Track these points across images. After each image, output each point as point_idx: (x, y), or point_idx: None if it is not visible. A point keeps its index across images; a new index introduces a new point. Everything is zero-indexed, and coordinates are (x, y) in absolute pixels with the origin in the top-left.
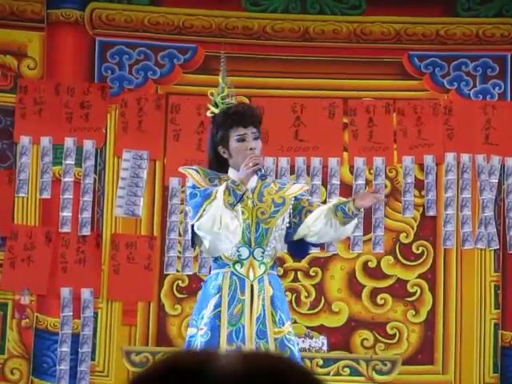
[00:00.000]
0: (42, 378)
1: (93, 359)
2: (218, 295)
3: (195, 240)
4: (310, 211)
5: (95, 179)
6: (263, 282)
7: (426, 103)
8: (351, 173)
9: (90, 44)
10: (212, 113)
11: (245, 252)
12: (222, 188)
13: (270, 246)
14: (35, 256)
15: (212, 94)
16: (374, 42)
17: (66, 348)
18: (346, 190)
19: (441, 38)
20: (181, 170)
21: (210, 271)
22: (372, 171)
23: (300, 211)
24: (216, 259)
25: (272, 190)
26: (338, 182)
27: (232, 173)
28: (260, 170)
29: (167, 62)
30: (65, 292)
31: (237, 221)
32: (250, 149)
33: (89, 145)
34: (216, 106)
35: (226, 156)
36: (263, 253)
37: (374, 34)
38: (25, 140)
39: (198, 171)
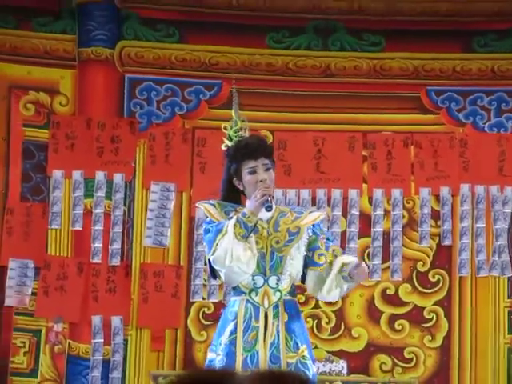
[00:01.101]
0: None
1: (123, 383)
2: (233, 322)
3: (215, 272)
4: (322, 254)
5: (125, 211)
6: (278, 308)
7: (442, 136)
8: (370, 204)
9: (119, 81)
10: (226, 146)
11: (259, 280)
12: (232, 221)
13: (284, 273)
14: (67, 285)
15: (225, 128)
16: (393, 77)
17: (97, 373)
18: (365, 220)
19: (457, 73)
20: (198, 205)
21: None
22: (390, 202)
23: (314, 249)
24: (234, 288)
25: (288, 220)
26: (358, 213)
27: (248, 204)
28: (267, 200)
29: (194, 98)
30: (96, 320)
31: (250, 252)
32: (261, 181)
33: (118, 178)
34: (230, 139)
35: (241, 188)
36: (278, 280)
37: (393, 69)
38: (57, 174)
39: (214, 205)
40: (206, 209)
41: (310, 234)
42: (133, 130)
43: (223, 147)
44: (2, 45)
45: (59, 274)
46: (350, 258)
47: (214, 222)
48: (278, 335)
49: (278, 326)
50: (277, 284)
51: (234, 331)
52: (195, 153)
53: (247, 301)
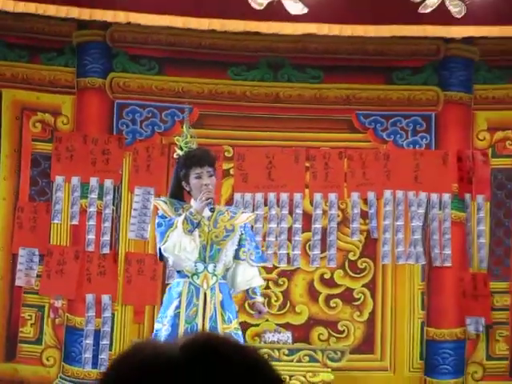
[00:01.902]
0: (70, 364)
1: (110, 350)
2: (178, 299)
3: (163, 257)
4: (245, 252)
5: (113, 210)
6: (214, 289)
7: (369, 151)
8: (311, 205)
9: (109, 105)
10: (177, 154)
11: (200, 267)
12: (181, 218)
13: (220, 262)
14: (66, 269)
15: (178, 140)
16: (330, 103)
17: (89, 341)
18: (307, 218)
19: (381, 100)
20: (153, 201)
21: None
22: (327, 204)
23: (240, 246)
24: (179, 271)
25: (225, 218)
26: (301, 212)
27: (193, 203)
28: (210, 203)
29: (169, 119)
30: (89, 297)
31: (194, 243)
32: (205, 184)
33: (108, 183)
34: (181, 149)
35: (188, 189)
36: (215, 267)
37: (330, 97)
38: (59, 179)
39: (166, 202)
40: (159, 205)
41: (242, 232)
42: (120, 144)
43: (175, 155)
44: (16, 75)
45: (59, 260)
46: (257, 282)
47: (166, 218)
48: (215, 311)
49: (214, 303)
50: (214, 270)
51: (178, 307)
52: (170, 164)
53: (190, 283)
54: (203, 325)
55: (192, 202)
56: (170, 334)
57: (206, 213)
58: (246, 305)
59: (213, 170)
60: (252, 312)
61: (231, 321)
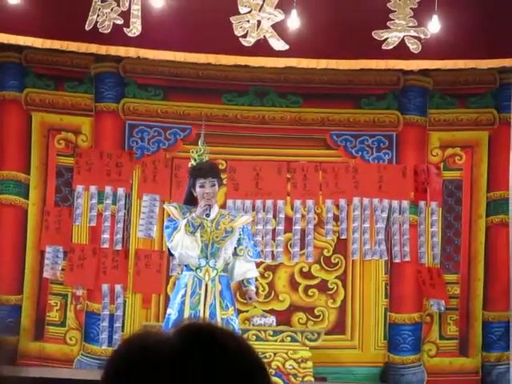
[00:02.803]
0: (90, 343)
1: (123, 331)
2: (184, 289)
3: (171, 253)
4: (242, 249)
5: (125, 213)
6: (214, 281)
7: (340, 165)
8: (292, 210)
9: (122, 125)
10: (191, 165)
11: (203, 262)
12: (184, 222)
13: (220, 258)
14: (86, 264)
15: (192, 152)
16: (308, 125)
17: (105, 323)
18: (289, 221)
19: (350, 122)
20: (164, 206)
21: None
22: (306, 209)
23: (239, 244)
24: (186, 265)
25: (226, 221)
26: (283, 216)
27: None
28: (207, 209)
29: (172, 137)
30: (105, 287)
31: (195, 243)
32: (207, 193)
33: (121, 191)
34: (195, 160)
35: (195, 195)
36: (215, 262)
37: (308, 119)
38: (79, 188)
39: (176, 207)
40: (169, 210)
41: (241, 233)
42: (131, 158)
43: (189, 165)
44: (44, 100)
45: (80, 256)
46: (251, 274)
47: (173, 221)
48: (215, 299)
49: (214, 293)
50: (214, 264)
51: (184, 295)
52: (173, 175)
53: (194, 275)
54: (204, 311)
55: (198, 207)
56: (177, 318)
57: (211, 216)
58: (238, 294)
59: (216, 180)
60: (243, 300)
61: (228, 308)
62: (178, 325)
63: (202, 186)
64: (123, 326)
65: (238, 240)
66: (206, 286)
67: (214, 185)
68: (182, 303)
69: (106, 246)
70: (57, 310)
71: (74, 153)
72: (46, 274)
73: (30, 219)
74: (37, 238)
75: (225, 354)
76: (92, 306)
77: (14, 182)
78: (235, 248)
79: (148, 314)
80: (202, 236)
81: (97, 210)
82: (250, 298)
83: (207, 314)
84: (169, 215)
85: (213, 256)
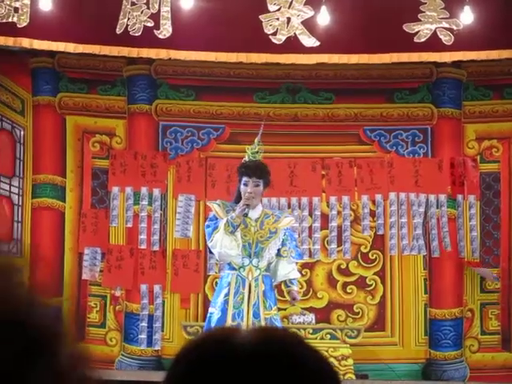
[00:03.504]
0: (129, 344)
1: (162, 331)
2: (227, 288)
3: (211, 252)
4: (286, 250)
5: (161, 214)
6: (258, 281)
7: (375, 160)
8: (328, 207)
9: (155, 126)
10: (244, 160)
11: (246, 261)
12: (223, 222)
13: (264, 258)
14: (123, 264)
15: (248, 148)
16: (341, 121)
17: (144, 324)
18: (325, 218)
19: (384, 117)
20: (207, 203)
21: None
22: (341, 205)
23: (282, 245)
24: (229, 264)
25: (270, 221)
26: (319, 213)
27: None
28: (245, 209)
29: (206, 137)
30: (143, 288)
31: (235, 242)
32: (249, 192)
33: (156, 191)
34: (248, 156)
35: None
36: (258, 262)
37: (341, 115)
38: (115, 189)
39: (219, 205)
40: (213, 207)
41: (285, 234)
42: (165, 159)
43: (243, 161)
44: (77, 104)
45: (118, 257)
46: (294, 275)
47: (213, 220)
48: (258, 299)
49: (257, 292)
50: (257, 264)
51: (227, 294)
52: (208, 174)
53: (237, 274)
54: (248, 310)
55: None
56: (220, 317)
57: (254, 215)
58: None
59: (261, 181)
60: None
61: (271, 307)
62: (255, 327)
63: (245, 185)
64: (162, 326)
65: (282, 241)
66: (250, 285)
67: (257, 185)
68: (226, 302)
69: (143, 246)
70: (96, 312)
71: (109, 155)
72: (84, 276)
73: (67, 222)
74: (75, 241)
75: (303, 363)
76: (131, 307)
77: (51, 186)
78: (279, 249)
79: (187, 314)
80: (245, 235)
81: (133, 210)
82: (294, 299)
83: (250, 314)
84: (211, 213)
85: (256, 255)
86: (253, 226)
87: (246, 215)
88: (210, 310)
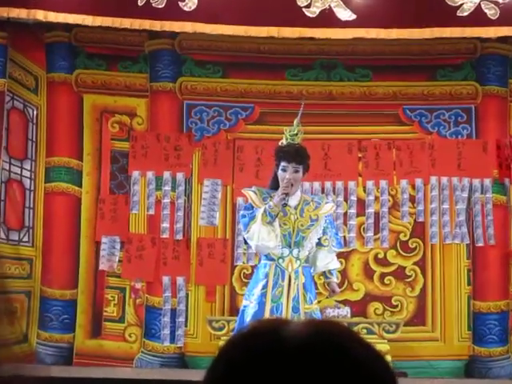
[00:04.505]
0: (151, 340)
1: (186, 326)
2: (265, 280)
3: (247, 243)
4: (326, 239)
5: (185, 200)
6: (298, 272)
7: (415, 142)
8: (364, 192)
9: (179, 106)
10: (281, 143)
11: (286, 251)
12: (261, 211)
13: (305, 248)
14: (144, 255)
15: (286, 130)
16: (379, 99)
17: (167, 319)
18: (361, 203)
19: (425, 96)
20: (242, 191)
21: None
22: (379, 190)
23: (324, 234)
24: (266, 254)
25: (310, 208)
26: (355, 199)
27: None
28: (284, 198)
29: (233, 117)
30: (165, 279)
31: (273, 233)
32: (287, 179)
33: (180, 176)
34: (286, 139)
35: (278, 177)
36: (299, 252)
37: (378, 94)
38: (136, 174)
39: (255, 192)
40: (248, 195)
41: (326, 222)
42: (190, 141)
43: (280, 143)
44: (96, 81)
45: (138, 247)
46: (334, 265)
47: (249, 209)
48: (298, 292)
49: (297, 285)
50: (298, 254)
51: (265, 287)
52: (235, 157)
53: (276, 265)
54: (287, 304)
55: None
56: (256, 311)
57: (293, 202)
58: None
59: (300, 167)
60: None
61: (312, 301)
62: (308, 320)
63: (283, 170)
64: (186, 321)
65: (323, 229)
66: (289, 277)
67: (297, 171)
68: (263, 295)
69: (165, 235)
70: (114, 305)
71: (129, 136)
72: (102, 267)
73: (83, 208)
74: (91, 229)
75: (357, 359)
76: (152, 300)
77: (66, 169)
78: (319, 238)
79: (213, 308)
80: (284, 224)
81: (155, 196)
82: (333, 291)
83: (290, 308)
84: (246, 201)
85: (297, 245)
86: (292, 213)
87: (285, 205)
88: (244, 302)
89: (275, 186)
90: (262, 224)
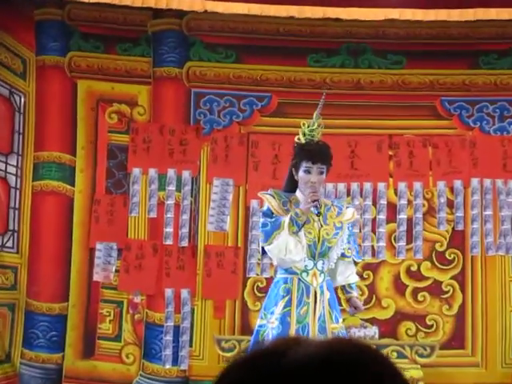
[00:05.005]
0: (151, 362)
1: (191, 346)
2: (287, 297)
3: (265, 253)
4: (350, 249)
5: (191, 201)
6: (323, 287)
7: (455, 139)
8: (395, 195)
9: (186, 94)
10: (298, 139)
11: (310, 264)
12: (287, 220)
13: (330, 259)
14: (145, 264)
15: (303, 125)
16: (413, 90)
17: (169, 337)
18: (392, 208)
19: (466, 86)
20: (259, 194)
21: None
22: (412, 193)
23: (347, 243)
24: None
25: (333, 214)
26: (385, 203)
27: (299, 194)
28: (316, 206)
29: (248, 108)
30: (168, 292)
31: (300, 244)
32: (312, 182)
33: (186, 174)
34: (304, 134)
35: (296, 178)
36: (323, 264)
37: (413, 83)
38: (136, 171)
39: (273, 196)
40: (267, 199)
41: (349, 230)
42: (198, 134)
43: (295, 139)
44: (91, 66)
45: (137, 254)
46: (354, 279)
47: (271, 216)
48: (323, 310)
49: (323, 301)
50: (322, 267)
51: (288, 304)
52: (250, 153)
53: (299, 279)
54: (314, 325)
55: (297, 193)
56: (280, 332)
57: (314, 209)
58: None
59: (325, 167)
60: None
61: (338, 320)
62: (322, 340)
63: (307, 172)
64: (191, 341)
65: (347, 238)
66: (315, 293)
67: (322, 172)
68: (287, 315)
69: (169, 242)
70: (110, 321)
71: (129, 129)
72: (96, 277)
73: (76, 210)
74: (85, 233)
75: None
76: (153, 316)
77: (57, 165)
78: (343, 248)
79: (221, 326)
80: (309, 233)
81: (157, 197)
82: (356, 308)
83: (316, 328)
84: (264, 205)
85: (322, 256)
86: (315, 220)
87: (319, 214)
88: (260, 321)
89: (291, 188)
90: (289, 234)
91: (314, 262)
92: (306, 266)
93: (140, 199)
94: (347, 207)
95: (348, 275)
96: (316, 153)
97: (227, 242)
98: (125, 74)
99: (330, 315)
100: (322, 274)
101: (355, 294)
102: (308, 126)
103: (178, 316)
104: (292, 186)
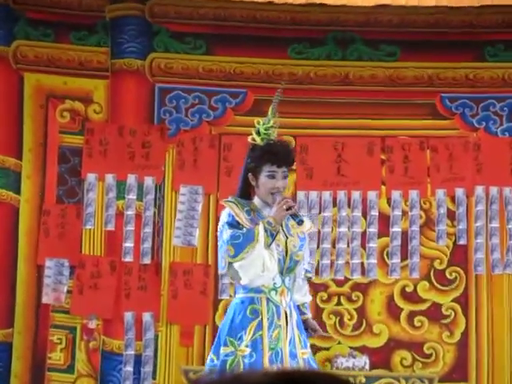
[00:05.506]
0: None
1: (154, 378)
2: (257, 319)
3: (229, 269)
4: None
5: (155, 212)
6: (291, 308)
7: (456, 141)
8: (389, 205)
9: (149, 90)
10: (253, 139)
11: (278, 280)
12: (262, 231)
13: (297, 275)
14: (101, 283)
15: (258, 123)
16: (408, 85)
17: (129, 368)
18: (384, 220)
19: (470, 81)
20: (222, 202)
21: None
22: (408, 203)
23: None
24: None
25: (294, 224)
26: (377, 214)
27: (257, 201)
28: (296, 214)
29: (220, 106)
30: (128, 316)
31: (273, 258)
32: (277, 187)
33: (149, 181)
34: (258, 133)
35: (253, 184)
36: (289, 281)
37: (408, 78)
38: (91, 177)
39: (236, 204)
40: (232, 208)
41: (306, 242)
42: (163, 135)
43: (249, 139)
44: (41, 56)
45: (93, 273)
46: (308, 298)
47: (239, 227)
48: (293, 333)
49: (292, 324)
50: (289, 284)
51: (259, 328)
52: (222, 157)
53: (268, 299)
54: (285, 351)
55: (256, 200)
56: (254, 361)
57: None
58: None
59: (288, 170)
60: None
61: (306, 345)
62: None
63: (271, 177)
64: (154, 372)
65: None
66: (286, 314)
67: (286, 176)
68: (259, 341)
69: (128, 258)
70: (61, 350)
71: (84, 129)
72: (45, 299)
73: (22, 221)
74: (32, 248)
75: None
76: (111, 344)
77: (0, 171)
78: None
79: (189, 354)
80: (277, 245)
81: (116, 207)
82: (315, 331)
83: (287, 355)
84: (228, 214)
85: (288, 272)
86: (280, 232)
87: (301, 222)
88: (224, 349)
89: (247, 194)
90: (265, 248)
91: (282, 279)
92: (274, 283)
93: (96, 209)
94: (304, 216)
95: (303, 294)
96: (281, 156)
97: (196, 258)
98: (79, 66)
99: (299, 339)
100: (290, 292)
101: (309, 315)
102: (263, 124)
103: (140, 343)
104: (247, 192)
